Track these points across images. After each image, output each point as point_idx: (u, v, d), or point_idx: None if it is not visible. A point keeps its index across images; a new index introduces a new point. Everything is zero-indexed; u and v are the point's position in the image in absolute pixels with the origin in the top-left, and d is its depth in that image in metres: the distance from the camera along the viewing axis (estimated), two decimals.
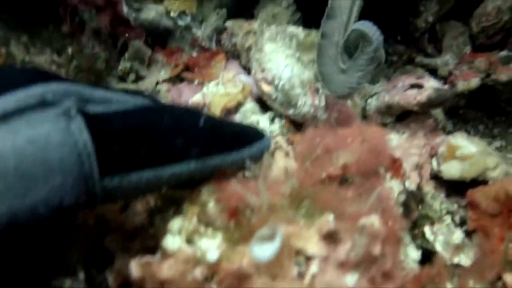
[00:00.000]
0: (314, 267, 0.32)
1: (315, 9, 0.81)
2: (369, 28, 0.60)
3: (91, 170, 0.30)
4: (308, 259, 0.32)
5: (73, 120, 0.30)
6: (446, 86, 0.70)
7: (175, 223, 0.38)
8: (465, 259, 0.52)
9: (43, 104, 0.31)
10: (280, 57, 0.66)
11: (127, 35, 0.83)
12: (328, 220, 0.34)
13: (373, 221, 0.32)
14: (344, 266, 0.32)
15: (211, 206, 0.37)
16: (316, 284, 0.31)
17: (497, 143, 0.87)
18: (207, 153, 0.36)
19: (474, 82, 0.78)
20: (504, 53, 0.84)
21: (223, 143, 0.37)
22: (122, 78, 0.84)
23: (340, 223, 0.34)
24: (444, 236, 0.56)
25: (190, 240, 0.36)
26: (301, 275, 0.32)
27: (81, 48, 0.80)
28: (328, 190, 0.37)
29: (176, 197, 0.43)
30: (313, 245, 0.33)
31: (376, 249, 0.32)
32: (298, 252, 0.33)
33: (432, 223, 0.58)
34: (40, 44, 0.79)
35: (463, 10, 0.92)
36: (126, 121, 0.34)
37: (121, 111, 0.35)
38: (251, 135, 0.39)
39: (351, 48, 0.64)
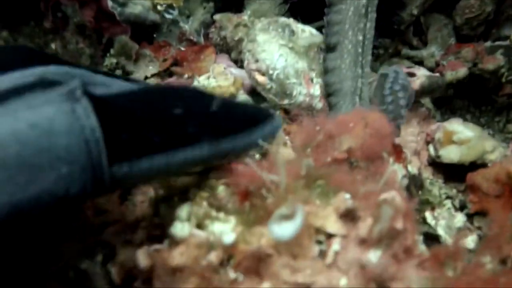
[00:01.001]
0: (336, 245, 0.31)
1: (303, 2, 0.81)
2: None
3: (100, 158, 0.28)
4: (329, 237, 0.31)
5: (78, 102, 0.27)
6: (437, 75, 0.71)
7: (183, 210, 0.36)
8: (469, 242, 0.52)
9: (43, 83, 0.29)
10: (274, 47, 0.65)
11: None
12: (345, 199, 0.33)
13: (394, 195, 0.31)
14: (366, 242, 0.31)
15: (221, 189, 0.36)
16: (339, 262, 0.30)
17: (485, 132, 0.88)
18: (220, 135, 0.34)
19: (462, 71, 0.79)
20: (488, 43, 0.86)
21: (235, 124, 0.35)
22: None
23: (355, 202, 0.33)
24: (446, 220, 0.56)
25: (201, 225, 0.34)
26: (322, 254, 0.31)
27: (65, 44, 0.77)
28: (340, 170, 0.36)
29: (179, 186, 0.41)
30: (332, 224, 0.32)
31: (399, 224, 0.31)
32: (318, 231, 0.32)
33: (433, 208, 0.58)
34: (22, 41, 0.76)
35: (446, 3, 0.94)
36: (134, 103, 0.32)
37: (127, 93, 0.33)
38: (262, 115, 0.37)
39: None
